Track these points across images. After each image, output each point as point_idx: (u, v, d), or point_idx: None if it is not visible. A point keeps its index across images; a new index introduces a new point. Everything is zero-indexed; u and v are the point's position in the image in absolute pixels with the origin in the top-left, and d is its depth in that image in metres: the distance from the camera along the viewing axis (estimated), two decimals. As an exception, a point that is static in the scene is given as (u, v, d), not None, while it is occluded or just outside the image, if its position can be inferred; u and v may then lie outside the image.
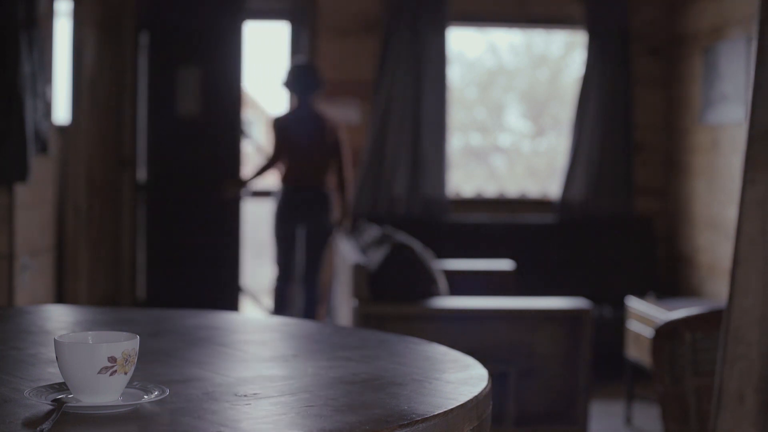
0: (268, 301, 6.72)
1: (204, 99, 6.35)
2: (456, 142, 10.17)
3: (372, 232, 4.81)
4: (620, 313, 5.63)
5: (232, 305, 6.41)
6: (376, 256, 4.32)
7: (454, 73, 9.58)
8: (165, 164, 6.45)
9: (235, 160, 6.40)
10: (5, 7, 3.92)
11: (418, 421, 1.33)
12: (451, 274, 5.01)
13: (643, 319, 4.95)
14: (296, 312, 6.19)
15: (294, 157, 5.88)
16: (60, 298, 5.17)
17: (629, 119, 6.56)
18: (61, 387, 1.42)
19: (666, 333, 2.54)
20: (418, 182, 6.40)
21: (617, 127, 6.53)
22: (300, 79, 5.85)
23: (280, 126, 5.91)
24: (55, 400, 1.35)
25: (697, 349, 2.50)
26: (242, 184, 6.14)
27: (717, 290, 5.94)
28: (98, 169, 5.88)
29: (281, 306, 6.09)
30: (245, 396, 1.44)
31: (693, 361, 2.50)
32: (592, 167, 6.52)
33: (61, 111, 5.20)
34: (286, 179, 5.91)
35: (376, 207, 6.36)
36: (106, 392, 1.36)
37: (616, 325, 5.59)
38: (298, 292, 6.14)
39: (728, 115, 5.78)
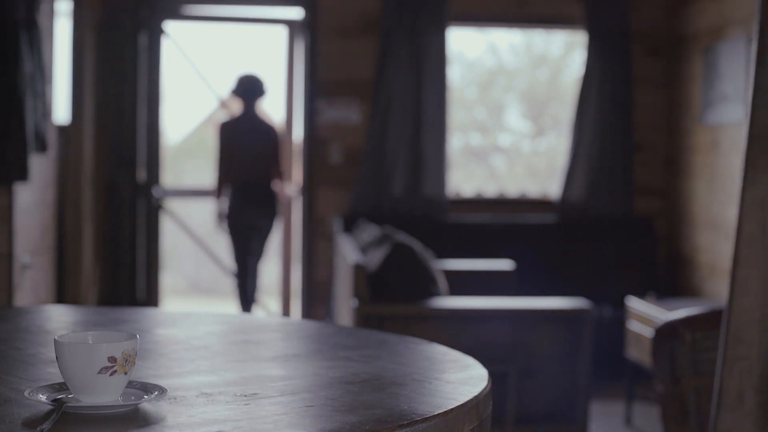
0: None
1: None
2: (456, 142, 10.17)
3: (372, 232, 4.81)
4: (620, 313, 5.63)
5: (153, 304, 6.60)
6: (376, 256, 4.32)
7: (454, 73, 9.58)
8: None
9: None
10: (5, 7, 3.93)
11: (418, 421, 1.33)
12: (451, 274, 5.01)
13: (643, 319, 4.95)
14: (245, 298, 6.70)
15: (241, 158, 6.45)
16: (60, 298, 5.17)
17: (629, 119, 6.56)
18: (61, 387, 1.42)
19: (666, 333, 2.54)
20: (418, 182, 6.40)
21: (617, 127, 6.53)
22: (246, 88, 6.46)
23: (227, 131, 6.50)
24: (55, 400, 1.35)
25: (697, 349, 2.50)
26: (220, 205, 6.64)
27: (717, 290, 5.94)
28: (98, 169, 5.88)
29: (245, 301, 6.62)
30: (245, 396, 1.44)
31: (693, 361, 2.50)
32: (592, 167, 6.51)
33: (61, 111, 5.20)
34: (234, 179, 6.48)
35: (376, 207, 6.36)
36: (106, 392, 1.36)
37: (616, 325, 5.59)
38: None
39: (728, 115, 5.78)
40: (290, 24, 6.82)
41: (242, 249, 6.58)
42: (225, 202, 6.55)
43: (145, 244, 6.45)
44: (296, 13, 6.67)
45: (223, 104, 7.46)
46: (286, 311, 6.96)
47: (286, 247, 6.97)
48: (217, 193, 6.55)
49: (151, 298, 6.58)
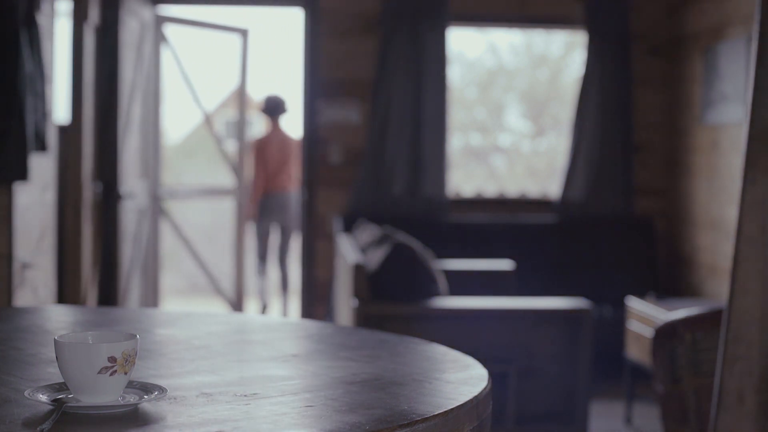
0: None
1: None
2: (456, 142, 10.18)
3: (372, 232, 4.81)
4: (620, 313, 5.63)
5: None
6: (376, 256, 4.32)
7: (454, 73, 9.58)
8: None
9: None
10: (5, 7, 3.92)
11: (418, 421, 1.33)
12: (451, 274, 5.01)
13: (643, 319, 4.95)
14: (275, 285, 8.48)
15: (268, 169, 7.89)
16: (60, 298, 5.17)
17: (629, 119, 6.56)
18: (61, 387, 1.42)
19: (666, 333, 2.54)
20: (418, 182, 6.40)
21: (617, 127, 6.53)
22: (271, 106, 7.83)
23: (258, 146, 7.93)
24: (55, 400, 1.35)
25: (697, 349, 2.50)
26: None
27: (717, 290, 5.94)
28: (98, 169, 5.87)
29: (262, 292, 8.33)
30: (245, 396, 1.44)
31: (693, 361, 2.50)
32: (592, 167, 6.51)
33: (61, 111, 5.20)
34: (263, 186, 7.93)
35: (376, 207, 6.36)
36: (106, 392, 1.36)
37: (616, 325, 5.59)
38: (275, 271, 8.58)
39: (728, 115, 5.78)
40: (243, 33, 6.95)
41: (263, 245, 8.10)
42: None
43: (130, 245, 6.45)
44: (295, 13, 6.68)
45: (208, 119, 7.49)
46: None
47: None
48: (255, 198, 7.99)
49: (149, 298, 6.57)
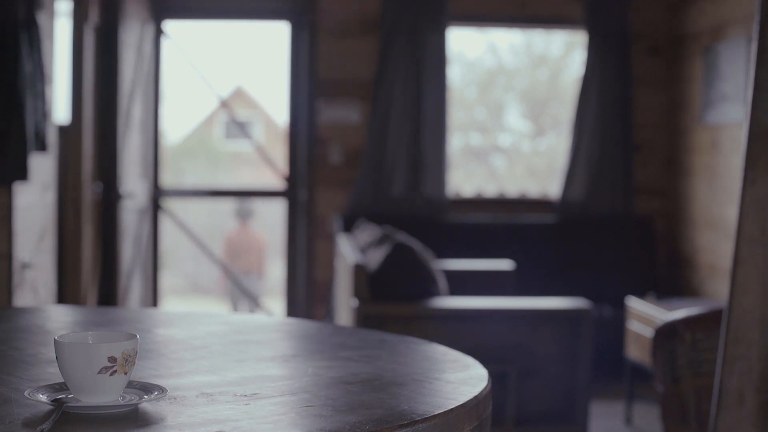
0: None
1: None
2: (456, 142, 10.18)
3: (372, 232, 4.80)
4: (620, 313, 5.63)
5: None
6: (376, 256, 4.32)
7: (454, 73, 9.58)
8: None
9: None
10: (5, 7, 3.92)
11: (418, 421, 1.33)
12: (451, 274, 5.01)
13: (643, 319, 4.96)
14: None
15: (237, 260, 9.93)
16: (60, 298, 5.17)
17: (629, 119, 6.56)
18: (61, 387, 1.42)
19: (666, 333, 2.54)
20: (418, 182, 6.40)
21: (617, 127, 6.53)
22: (243, 211, 9.86)
23: (231, 244, 9.96)
24: (55, 400, 1.35)
25: (697, 349, 2.50)
26: None
27: (717, 290, 5.94)
28: (98, 169, 5.87)
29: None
30: (245, 396, 1.44)
31: (693, 361, 2.50)
32: (592, 167, 6.51)
33: (61, 111, 5.20)
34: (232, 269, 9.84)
35: (376, 207, 6.36)
36: (106, 392, 1.36)
37: (616, 325, 5.59)
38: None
39: (728, 115, 5.78)
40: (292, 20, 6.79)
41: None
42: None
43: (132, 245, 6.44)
44: (296, 13, 6.67)
45: (224, 104, 7.45)
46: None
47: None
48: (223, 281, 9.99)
49: (149, 298, 6.57)
